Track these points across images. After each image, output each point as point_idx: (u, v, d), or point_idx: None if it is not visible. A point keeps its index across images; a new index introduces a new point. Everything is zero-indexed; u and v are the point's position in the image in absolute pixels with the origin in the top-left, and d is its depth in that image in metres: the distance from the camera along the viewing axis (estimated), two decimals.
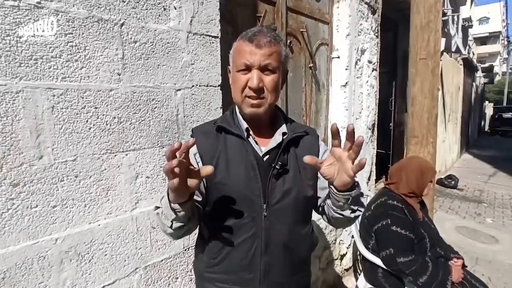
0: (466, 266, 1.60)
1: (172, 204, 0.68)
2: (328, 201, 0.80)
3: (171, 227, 0.72)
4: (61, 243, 0.88)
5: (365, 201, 0.81)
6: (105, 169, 0.96)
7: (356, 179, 0.72)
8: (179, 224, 0.72)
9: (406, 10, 2.64)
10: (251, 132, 0.85)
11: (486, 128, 19.19)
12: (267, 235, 0.81)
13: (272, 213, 0.81)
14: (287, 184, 0.82)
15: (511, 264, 2.75)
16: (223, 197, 0.80)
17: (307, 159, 0.70)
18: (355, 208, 0.76)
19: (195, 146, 0.83)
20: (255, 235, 0.80)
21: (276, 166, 0.81)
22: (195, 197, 0.78)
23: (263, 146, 0.84)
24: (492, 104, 22.47)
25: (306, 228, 0.88)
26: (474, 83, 11.07)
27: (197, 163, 0.82)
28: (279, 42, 0.80)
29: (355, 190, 0.72)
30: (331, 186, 0.73)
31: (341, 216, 0.78)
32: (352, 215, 0.77)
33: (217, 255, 0.83)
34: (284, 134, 0.85)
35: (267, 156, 0.82)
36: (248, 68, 0.77)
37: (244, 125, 0.85)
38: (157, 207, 0.75)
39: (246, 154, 0.81)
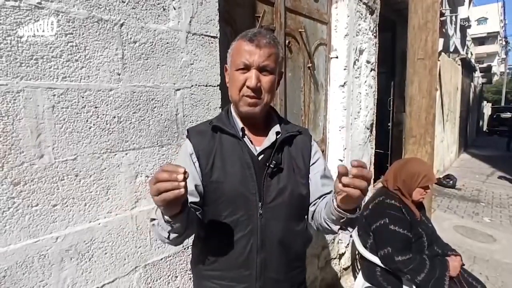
0: (464, 265, 1.61)
1: (165, 217, 0.67)
2: (323, 211, 0.80)
3: (168, 237, 0.72)
4: (61, 242, 0.89)
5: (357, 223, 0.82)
6: (105, 168, 0.97)
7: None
8: (176, 235, 0.72)
9: (404, 10, 2.66)
10: (246, 132, 0.86)
11: (485, 128, 19.23)
12: (263, 233, 0.82)
13: (267, 211, 0.82)
14: (282, 182, 0.83)
15: (509, 263, 2.77)
16: (219, 195, 0.81)
17: (340, 168, 0.60)
18: (345, 227, 0.76)
19: (191, 146, 0.84)
20: (251, 232, 0.81)
21: (271, 165, 0.82)
22: (193, 198, 0.79)
23: (258, 145, 0.85)
24: (490, 104, 22.56)
25: (301, 225, 0.89)
26: (472, 83, 11.11)
27: (194, 163, 0.83)
28: (277, 45, 0.82)
29: (352, 214, 0.70)
30: (333, 200, 0.71)
31: (328, 228, 0.80)
32: (339, 232, 0.78)
33: (214, 253, 0.85)
34: (277, 133, 0.86)
35: (262, 155, 0.84)
36: (247, 68, 0.78)
37: (240, 124, 0.86)
38: (153, 219, 0.74)
39: (241, 153, 0.83)
